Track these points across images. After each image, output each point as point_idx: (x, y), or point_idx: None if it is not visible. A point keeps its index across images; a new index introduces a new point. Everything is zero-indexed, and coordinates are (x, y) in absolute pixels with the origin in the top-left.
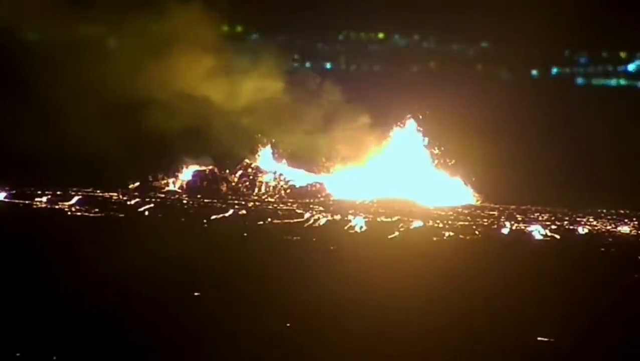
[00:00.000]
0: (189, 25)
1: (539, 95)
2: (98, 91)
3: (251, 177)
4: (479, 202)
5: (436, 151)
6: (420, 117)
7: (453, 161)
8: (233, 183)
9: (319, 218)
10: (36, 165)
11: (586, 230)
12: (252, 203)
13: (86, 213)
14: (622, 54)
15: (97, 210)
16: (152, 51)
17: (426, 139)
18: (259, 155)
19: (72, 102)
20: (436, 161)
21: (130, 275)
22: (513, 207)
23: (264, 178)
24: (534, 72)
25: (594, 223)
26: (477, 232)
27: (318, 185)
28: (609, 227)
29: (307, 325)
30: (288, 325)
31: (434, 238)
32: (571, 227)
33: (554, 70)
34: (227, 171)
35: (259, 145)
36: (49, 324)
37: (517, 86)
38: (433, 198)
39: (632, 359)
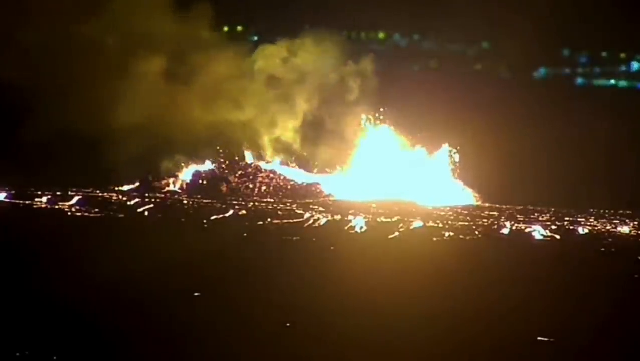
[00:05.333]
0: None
1: (539, 96)
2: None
3: (251, 177)
4: (479, 202)
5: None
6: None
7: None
8: (233, 184)
9: (319, 218)
10: (36, 165)
11: (586, 230)
12: (252, 203)
13: (86, 213)
14: (622, 54)
15: (97, 210)
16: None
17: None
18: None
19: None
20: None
21: (130, 275)
22: (514, 207)
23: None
24: (535, 72)
25: (594, 223)
26: (477, 232)
27: (318, 185)
28: (609, 227)
29: (307, 325)
30: (288, 325)
31: (434, 238)
32: (571, 227)
33: (553, 70)
34: (227, 170)
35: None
36: (49, 324)
37: (517, 86)
38: (433, 198)
39: (632, 359)
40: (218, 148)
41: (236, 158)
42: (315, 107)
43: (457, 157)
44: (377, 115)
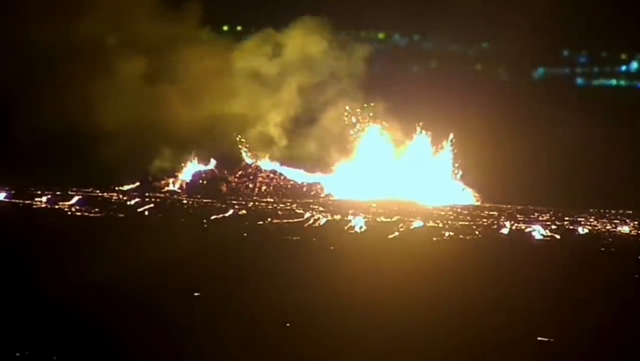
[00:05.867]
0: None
1: (539, 95)
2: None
3: (251, 177)
4: (479, 202)
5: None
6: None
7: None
8: (233, 184)
9: (319, 218)
10: (36, 165)
11: (586, 230)
12: (252, 203)
13: (86, 213)
14: (623, 54)
15: (97, 210)
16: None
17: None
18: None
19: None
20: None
21: (130, 275)
22: (514, 207)
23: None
24: (535, 72)
25: (594, 223)
26: (477, 232)
27: (318, 185)
28: (609, 227)
29: (307, 325)
30: (288, 325)
31: (434, 238)
32: (571, 227)
33: (553, 70)
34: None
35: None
36: (48, 324)
37: (517, 86)
38: (433, 198)
39: (632, 359)
40: (199, 150)
41: (218, 160)
42: (304, 100)
43: (457, 158)
44: (370, 113)
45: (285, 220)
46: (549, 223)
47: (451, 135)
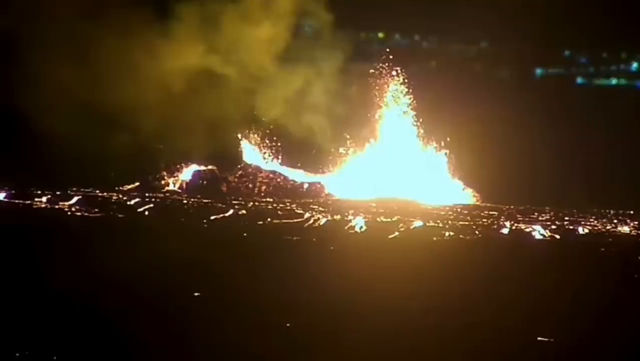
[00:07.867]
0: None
1: (539, 95)
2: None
3: (251, 177)
4: (478, 202)
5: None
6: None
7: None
8: (233, 184)
9: (319, 218)
10: (36, 165)
11: (586, 230)
12: (252, 203)
13: (86, 213)
14: (623, 54)
15: (97, 210)
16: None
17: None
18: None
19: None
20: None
21: (130, 275)
22: (514, 207)
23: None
24: (534, 71)
25: (594, 223)
26: (477, 232)
27: (318, 185)
28: (609, 227)
29: (307, 325)
30: (288, 325)
31: (434, 238)
32: (571, 227)
33: (554, 70)
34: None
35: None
36: (48, 324)
37: (517, 86)
38: (433, 198)
39: (632, 359)
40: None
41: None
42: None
43: (457, 157)
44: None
45: (285, 220)
46: (549, 223)
47: (449, 141)
